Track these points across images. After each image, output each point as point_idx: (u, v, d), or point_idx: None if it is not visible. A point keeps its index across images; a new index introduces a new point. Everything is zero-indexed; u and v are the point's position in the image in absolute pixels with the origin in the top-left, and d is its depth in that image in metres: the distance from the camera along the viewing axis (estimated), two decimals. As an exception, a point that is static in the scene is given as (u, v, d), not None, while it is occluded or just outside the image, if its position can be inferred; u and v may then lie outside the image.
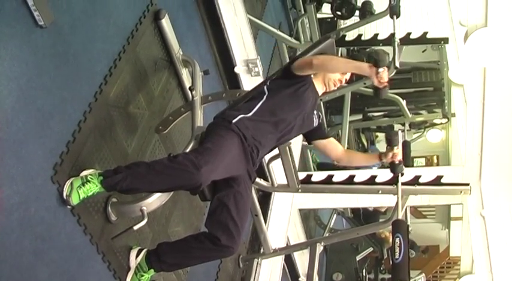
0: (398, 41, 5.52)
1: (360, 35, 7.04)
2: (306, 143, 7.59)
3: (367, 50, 10.11)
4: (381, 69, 2.89)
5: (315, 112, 3.45)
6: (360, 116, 10.14)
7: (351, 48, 10.08)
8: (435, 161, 14.70)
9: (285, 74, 3.35)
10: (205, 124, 3.35)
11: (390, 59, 2.81)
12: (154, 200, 3.15)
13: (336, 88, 3.51)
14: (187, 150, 3.23)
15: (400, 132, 3.34)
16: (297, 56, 3.45)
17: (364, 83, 6.43)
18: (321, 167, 9.10)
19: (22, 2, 2.57)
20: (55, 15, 2.76)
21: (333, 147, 3.61)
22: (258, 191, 5.35)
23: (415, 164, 14.09)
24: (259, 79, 5.15)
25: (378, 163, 3.58)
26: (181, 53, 4.23)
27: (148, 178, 2.83)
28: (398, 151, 3.36)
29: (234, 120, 3.11)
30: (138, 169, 2.86)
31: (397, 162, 3.43)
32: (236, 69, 5.18)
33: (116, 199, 3.20)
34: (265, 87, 3.33)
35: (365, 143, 11.80)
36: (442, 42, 7.00)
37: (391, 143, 3.33)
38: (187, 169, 2.76)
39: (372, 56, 2.93)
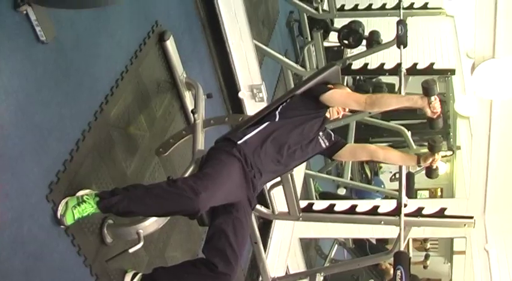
0: (405, 71, 5.54)
1: (366, 64, 7.05)
2: (308, 171, 7.73)
3: (374, 79, 10.15)
4: (432, 99, 2.93)
5: (321, 134, 3.42)
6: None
7: (357, 77, 10.12)
8: (439, 193, 14.56)
9: (306, 101, 3.36)
10: (206, 148, 3.31)
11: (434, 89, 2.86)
12: (152, 224, 3.09)
13: (339, 116, 3.50)
14: (187, 174, 3.21)
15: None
16: (320, 86, 3.45)
17: (369, 113, 6.36)
18: (323, 196, 9.04)
19: (25, 16, 2.55)
20: (57, 32, 2.74)
21: (359, 149, 3.56)
22: (259, 218, 5.28)
23: (418, 197, 13.98)
24: (263, 105, 5.09)
25: (415, 165, 3.49)
26: (185, 75, 4.21)
27: (146, 201, 2.80)
28: (438, 157, 3.29)
29: (239, 142, 3.10)
30: (136, 192, 2.83)
31: (434, 168, 3.36)
32: (240, 94, 5.16)
33: (112, 220, 3.15)
34: (277, 112, 3.33)
35: (368, 174, 11.74)
36: (449, 73, 7.06)
37: (433, 149, 3.27)
38: (186, 194, 2.73)
39: (422, 86, 2.95)
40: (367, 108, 3.25)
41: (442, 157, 9.77)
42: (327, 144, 3.45)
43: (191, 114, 3.89)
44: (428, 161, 3.31)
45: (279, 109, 3.35)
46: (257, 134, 3.19)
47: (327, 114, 3.41)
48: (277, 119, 3.28)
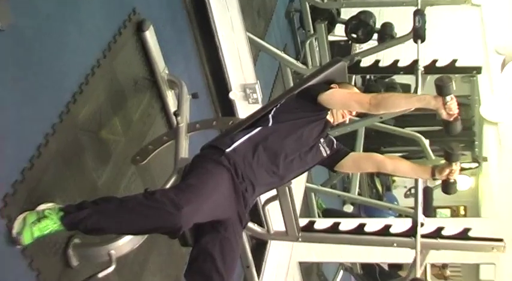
0: (423, 69, 5.54)
1: (377, 61, 7.01)
2: (310, 184, 7.70)
3: (386, 79, 10.15)
4: (448, 98, 2.91)
5: (322, 141, 3.41)
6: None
7: (367, 76, 10.10)
8: (462, 212, 14.53)
9: (302, 103, 3.37)
10: (191, 156, 3.30)
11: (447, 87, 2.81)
12: (126, 243, 3.06)
13: (344, 120, 3.51)
14: (168, 185, 3.21)
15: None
16: (318, 85, 3.47)
17: (380, 117, 6.36)
18: (327, 214, 9.03)
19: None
20: (15, 18, 2.70)
21: (364, 159, 3.58)
22: (252, 239, 5.29)
23: (438, 216, 13.96)
24: (257, 107, 5.08)
25: (429, 178, 3.43)
26: (167, 72, 4.21)
27: (119, 217, 2.76)
28: (457, 167, 3.24)
29: (227, 150, 3.09)
30: (107, 206, 2.80)
31: (452, 181, 3.31)
32: (231, 95, 5.14)
33: (78, 239, 3.10)
34: (270, 116, 3.32)
35: (379, 189, 11.74)
36: (474, 72, 6.97)
37: (450, 158, 3.21)
38: (166, 209, 2.70)
39: (436, 84, 2.93)
40: (372, 109, 3.23)
41: (466, 169, 9.83)
42: (328, 152, 3.44)
43: (173, 117, 3.88)
44: (444, 173, 3.27)
45: (273, 112, 3.34)
46: (247, 140, 3.18)
47: (329, 118, 3.41)
48: (270, 124, 3.27)
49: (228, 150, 3.09)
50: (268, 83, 7.06)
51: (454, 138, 9.59)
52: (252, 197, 3.22)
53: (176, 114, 3.79)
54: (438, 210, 13.95)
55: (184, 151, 3.62)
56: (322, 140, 3.40)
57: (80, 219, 2.72)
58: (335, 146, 3.48)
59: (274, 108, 3.37)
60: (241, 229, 3.22)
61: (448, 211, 14.74)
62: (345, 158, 3.47)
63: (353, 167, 3.60)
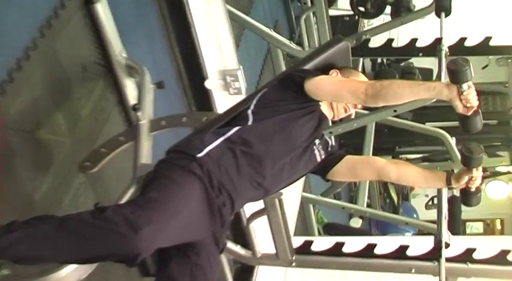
0: (447, 50, 5.53)
1: (390, 41, 6.97)
2: (307, 194, 7.64)
3: (402, 63, 10.13)
4: (465, 86, 2.83)
5: (317, 142, 3.38)
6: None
7: (378, 59, 10.10)
8: (498, 227, 14.57)
9: (286, 93, 3.34)
10: (154, 161, 3.26)
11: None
12: (70, 273, 2.93)
13: (348, 114, 3.50)
14: (124, 199, 3.15)
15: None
16: (304, 70, 3.48)
17: (395, 111, 6.34)
18: (329, 230, 9.06)
19: None
20: None
21: (360, 163, 3.55)
22: (235, 263, 5.29)
23: (468, 231, 13.97)
24: (241, 98, 5.03)
25: (444, 186, 3.43)
26: (124, 55, 4.17)
27: (57, 241, 2.69)
28: (478, 174, 3.19)
29: (199, 155, 3.04)
30: (43, 227, 2.72)
31: (473, 190, 3.27)
32: (207, 84, 5.07)
33: (7, 270, 2.97)
34: (249, 112, 3.30)
35: (394, 198, 11.76)
36: None
37: (469, 163, 3.16)
38: (119, 231, 2.63)
39: (448, 69, 2.86)
40: (369, 101, 3.17)
41: (502, 173, 9.80)
42: (323, 157, 3.42)
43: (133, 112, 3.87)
44: (462, 180, 3.23)
45: (252, 107, 3.32)
46: (223, 143, 3.14)
47: (326, 112, 3.40)
48: (250, 122, 3.24)
49: (200, 155, 3.05)
50: (254, 68, 7.11)
51: (486, 136, 9.64)
52: (232, 213, 3.20)
53: (136, 108, 3.76)
54: (468, 223, 14.00)
55: (146, 155, 3.59)
56: (317, 141, 3.36)
57: (7, 245, 2.65)
58: (329, 148, 3.47)
59: (255, 102, 3.34)
60: (217, 254, 3.21)
61: (480, 225, 14.78)
62: (338, 164, 3.46)
63: (348, 175, 3.56)
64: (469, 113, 2.91)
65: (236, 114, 3.34)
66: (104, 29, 4.00)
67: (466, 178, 3.20)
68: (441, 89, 2.89)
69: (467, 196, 3.31)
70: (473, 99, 2.87)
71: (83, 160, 3.77)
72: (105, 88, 4.15)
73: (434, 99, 3.33)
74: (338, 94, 3.28)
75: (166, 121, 3.79)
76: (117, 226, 2.62)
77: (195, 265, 2.99)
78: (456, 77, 2.82)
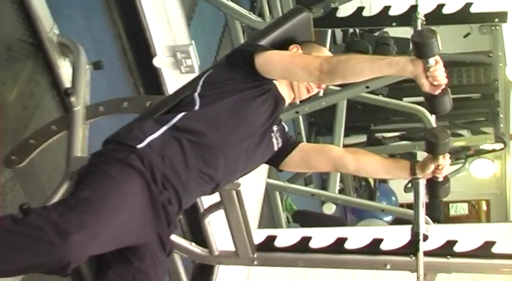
0: (423, 19, 5.47)
1: (360, 9, 7.01)
2: (272, 181, 7.55)
3: (376, 33, 10.11)
4: (431, 61, 2.74)
5: (275, 129, 3.35)
6: (364, 138, 10.36)
7: (349, 31, 10.07)
8: (484, 208, 14.64)
9: (234, 71, 3.26)
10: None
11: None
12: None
13: (311, 95, 3.46)
14: (56, 199, 3.06)
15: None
16: (256, 43, 3.42)
17: (367, 87, 6.36)
18: (299, 218, 9.03)
19: None
20: None
21: (315, 152, 3.49)
22: (193, 262, 5.31)
23: (452, 212, 14.03)
24: (193, 76, 4.99)
25: (407, 177, 3.41)
26: (56, 31, 4.10)
27: None
28: (445, 162, 3.14)
29: (139, 145, 2.95)
30: None
31: (440, 180, 3.23)
32: (156, 62, 5.06)
33: None
34: (195, 95, 3.22)
35: (371, 180, 11.76)
36: (497, 19, 7.00)
37: (434, 149, 3.09)
38: (45, 238, 2.53)
39: (412, 41, 2.78)
40: (324, 78, 3.11)
41: (488, 152, 9.80)
42: (280, 145, 3.37)
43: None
44: (428, 169, 3.19)
45: (199, 89, 3.24)
46: (167, 132, 3.05)
47: (284, 92, 3.33)
48: (197, 107, 3.16)
49: (140, 146, 2.96)
50: (211, 44, 7.11)
51: (469, 111, 9.62)
52: (180, 210, 3.13)
53: (68, 93, 3.68)
54: (452, 204, 14.04)
55: (81, 146, 3.54)
56: (275, 127, 3.32)
57: None
58: (286, 135, 3.43)
59: (201, 83, 3.27)
60: (164, 257, 3.12)
61: (465, 206, 14.88)
62: (292, 153, 3.42)
63: (301, 165, 3.54)
64: (436, 92, 2.83)
65: (182, 99, 3.28)
66: (31, 2, 3.92)
67: (432, 167, 3.16)
68: (404, 65, 2.82)
69: (434, 187, 3.30)
70: (441, 76, 2.79)
71: (8, 154, 3.69)
72: (34, 70, 4.09)
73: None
74: (289, 71, 3.20)
75: (105, 107, 3.75)
76: (42, 233, 2.53)
77: (138, 271, 2.94)
78: (421, 50, 2.75)
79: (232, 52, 3.36)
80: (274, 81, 3.25)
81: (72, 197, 2.80)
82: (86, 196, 2.74)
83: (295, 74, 3.19)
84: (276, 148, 3.34)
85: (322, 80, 3.14)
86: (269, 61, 3.18)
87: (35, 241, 2.53)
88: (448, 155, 3.15)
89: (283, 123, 3.43)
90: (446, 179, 3.22)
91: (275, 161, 3.44)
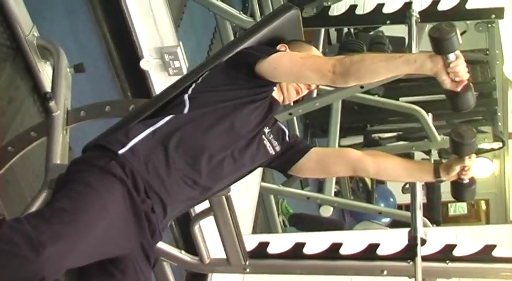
0: (418, 16, 5.56)
1: (353, 7, 6.95)
2: (267, 184, 7.45)
3: (371, 32, 10.08)
4: (452, 57, 2.69)
5: (266, 131, 3.25)
6: (360, 139, 10.36)
7: (344, 29, 10.03)
8: (483, 207, 14.61)
9: (236, 76, 3.19)
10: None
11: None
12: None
13: (300, 96, 3.41)
14: (33, 209, 3.04)
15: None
16: (257, 47, 3.33)
17: (361, 87, 6.34)
18: (295, 221, 9.10)
19: None
20: None
21: (332, 156, 3.44)
22: (186, 270, 5.28)
23: (451, 212, 14.02)
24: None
25: (432, 180, 3.27)
26: (36, 34, 4.07)
27: None
28: (471, 163, 3.05)
29: (121, 151, 2.86)
30: None
31: (466, 182, 3.13)
32: (142, 64, 4.96)
33: None
34: (186, 97, 3.14)
35: (368, 181, 11.74)
36: (493, 16, 6.90)
37: (461, 150, 3.01)
38: (17, 253, 2.45)
39: (430, 37, 2.71)
40: (338, 81, 3.02)
41: (486, 151, 9.72)
42: (277, 148, 3.27)
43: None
44: (453, 171, 3.09)
45: (190, 91, 3.16)
46: (151, 136, 2.97)
47: (276, 96, 3.25)
48: (186, 110, 3.08)
49: (122, 151, 2.86)
50: (201, 45, 7.13)
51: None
52: (164, 221, 3.04)
53: (48, 97, 3.65)
54: (451, 204, 14.03)
55: (61, 153, 3.50)
56: (266, 130, 3.23)
57: None
58: (288, 138, 3.35)
59: (194, 85, 3.20)
60: (148, 269, 3.04)
61: (464, 206, 14.90)
62: (304, 158, 3.33)
63: (317, 171, 3.48)
64: (459, 89, 2.77)
65: (170, 100, 3.20)
66: (9, 2, 3.87)
67: (457, 169, 3.07)
68: (423, 62, 2.76)
69: (460, 189, 3.18)
70: (463, 72, 2.74)
71: (-16, 162, 3.67)
72: (14, 74, 4.07)
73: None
74: (300, 73, 3.13)
75: (86, 111, 3.75)
76: (14, 247, 2.44)
77: (120, 284, 2.86)
78: (441, 46, 2.68)
79: (232, 57, 3.27)
80: (275, 87, 3.20)
81: (48, 208, 2.72)
82: (62, 206, 2.65)
83: (307, 76, 3.13)
84: (271, 152, 3.27)
85: (335, 82, 3.07)
86: (278, 65, 3.10)
87: (6, 256, 2.45)
88: (474, 156, 3.06)
89: (282, 126, 3.38)
90: (473, 180, 3.14)
91: (283, 166, 3.39)
